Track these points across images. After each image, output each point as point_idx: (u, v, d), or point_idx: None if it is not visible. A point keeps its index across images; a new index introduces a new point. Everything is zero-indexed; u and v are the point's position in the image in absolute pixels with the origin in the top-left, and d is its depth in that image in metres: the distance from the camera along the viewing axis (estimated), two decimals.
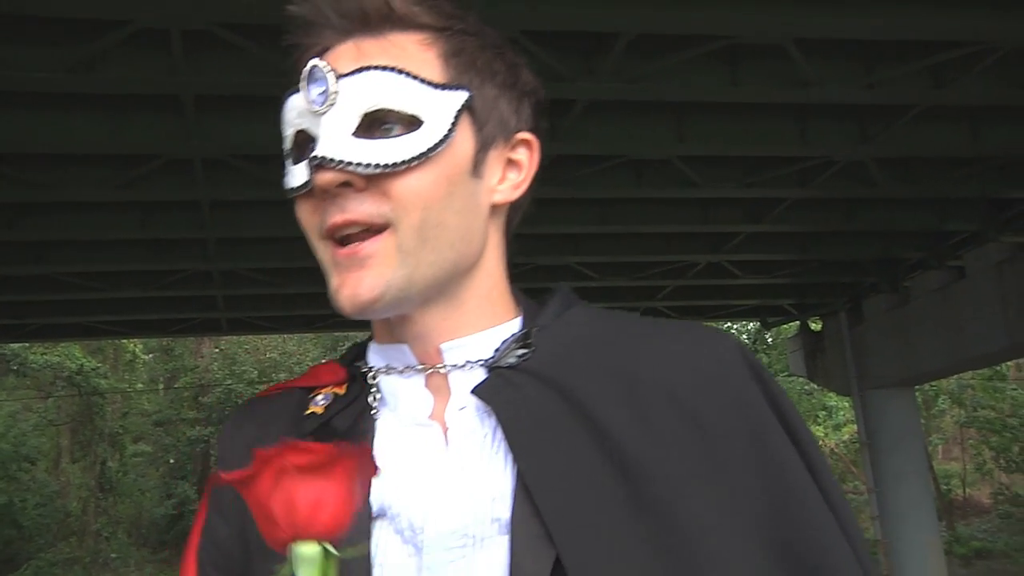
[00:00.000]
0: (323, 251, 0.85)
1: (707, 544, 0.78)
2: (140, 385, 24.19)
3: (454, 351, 0.87)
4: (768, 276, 10.02)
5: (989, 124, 6.56)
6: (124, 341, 21.46)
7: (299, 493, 0.67)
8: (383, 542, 0.81)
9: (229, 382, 22.89)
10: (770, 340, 23.92)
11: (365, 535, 0.80)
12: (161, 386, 24.61)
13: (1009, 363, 19.09)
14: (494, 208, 0.90)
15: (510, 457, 0.81)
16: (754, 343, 24.46)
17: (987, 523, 20.37)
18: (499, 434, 0.82)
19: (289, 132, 0.88)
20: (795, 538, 0.81)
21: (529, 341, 0.87)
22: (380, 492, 0.82)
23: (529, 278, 8.51)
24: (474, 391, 0.84)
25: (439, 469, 0.83)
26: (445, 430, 0.85)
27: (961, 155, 7.04)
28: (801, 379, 15.23)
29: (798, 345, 12.38)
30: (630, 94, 5.58)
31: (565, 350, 0.86)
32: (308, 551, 0.67)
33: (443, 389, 0.87)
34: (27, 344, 19.06)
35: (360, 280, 0.82)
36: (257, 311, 10.59)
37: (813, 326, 12.25)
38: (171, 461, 23.36)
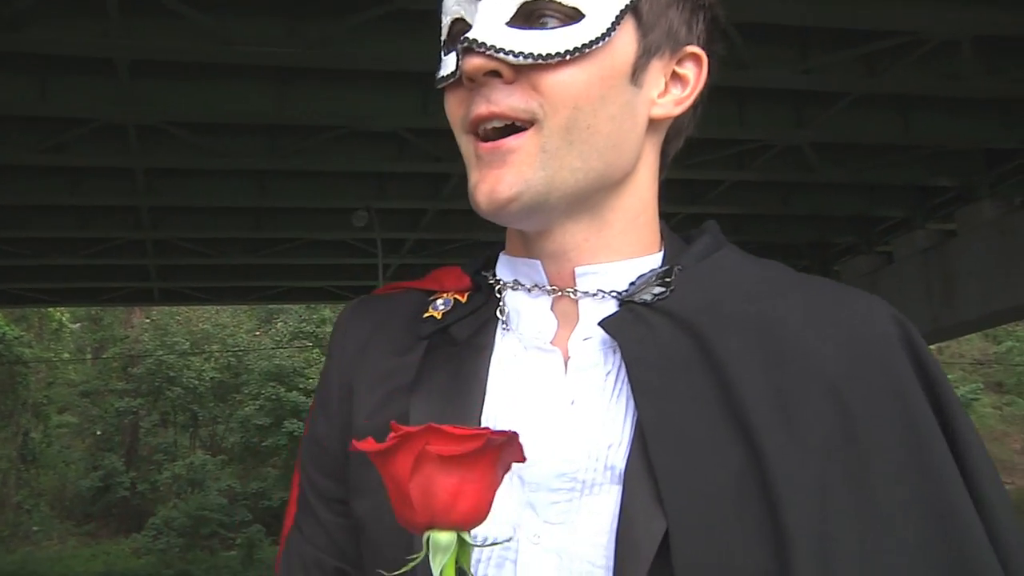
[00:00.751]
0: (466, 145, 0.80)
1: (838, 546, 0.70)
2: (67, 355, 23.65)
3: (588, 277, 0.82)
4: None
5: (920, 113, 6.73)
6: (51, 309, 20.96)
7: (439, 480, 0.63)
8: None
9: (160, 353, 22.51)
10: None
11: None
12: (89, 356, 24.09)
13: (931, 346, 19.62)
14: (653, 123, 0.83)
15: (631, 402, 0.76)
16: None
17: None
18: (623, 374, 0.77)
19: (446, 20, 0.83)
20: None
21: (668, 280, 0.80)
22: (492, 413, 0.79)
23: (464, 254, 8.51)
24: (602, 323, 0.78)
25: (555, 402, 0.78)
26: (566, 358, 0.80)
27: (893, 142, 7.21)
28: None
29: None
30: None
31: (705, 296, 0.80)
32: (444, 539, 0.64)
33: (570, 315, 0.82)
34: None
35: (500, 177, 0.77)
36: (190, 281, 10.43)
37: None
38: (98, 432, 22.92)
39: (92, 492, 21.48)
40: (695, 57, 0.84)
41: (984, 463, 0.75)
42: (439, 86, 0.82)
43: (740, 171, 7.40)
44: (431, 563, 0.63)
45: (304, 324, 22.74)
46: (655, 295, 0.79)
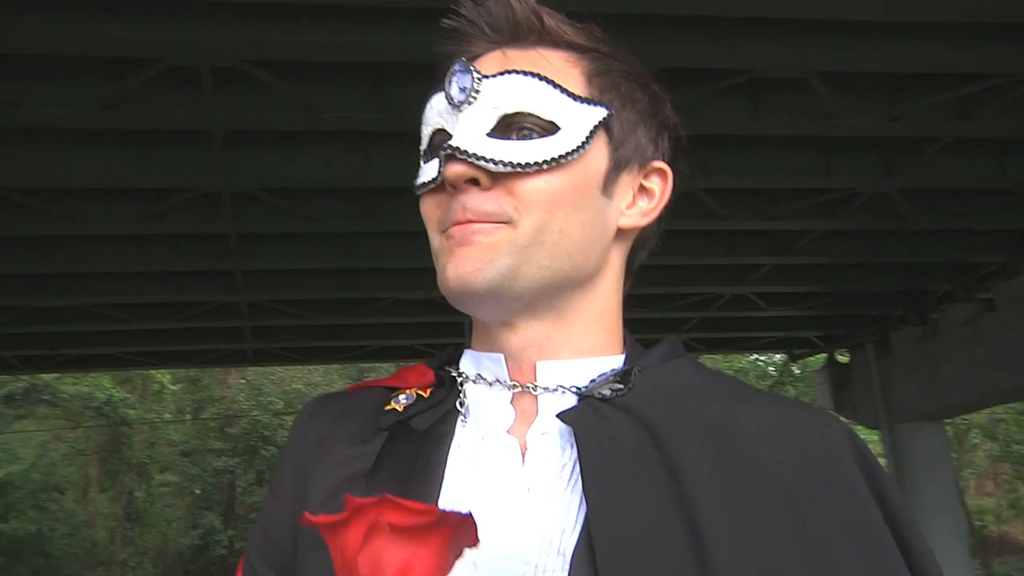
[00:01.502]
0: (438, 241, 0.85)
1: None
2: (168, 415, 24.32)
3: (548, 372, 0.85)
4: (794, 308, 9.96)
5: (1016, 156, 6.52)
6: (152, 372, 21.62)
7: (388, 554, 0.62)
8: None
9: (255, 413, 22.97)
10: (797, 372, 23.72)
11: None
12: (188, 416, 24.72)
13: None
14: (620, 232, 0.88)
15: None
16: (781, 375, 24.26)
17: (1023, 560, 19.99)
18: (578, 467, 0.79)
19: (427, 131, 0.89)
20: None
21: (629, 379, 0.84)
22: (448, 496, 0.81)
23: None
24: (559, 415, 0.81)
25: (512, 489, 0.81)
26: (524, 450, 0.82)
27: (987, 187, 6.99)
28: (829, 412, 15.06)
29: (825, 378, 12.27)
30: None
31: (663, 395, 0.83)
32: None
33: (529, 410, 0.85)
34: (58, 375, 19.26)
35: (468, 255, 0.81)
36: (282, 342, 10.65)
37: (840, 359, 12.14)
38: (197, 491, 23.42)
39: (192, 550, 21.90)
40: (661, 172, 0.91)
41: (934, 569, 0.80)
42: (419, 192, 0.87)
43: (829, 220, 7.26)
44: None
45: None
46: (614, 391, 0.82)
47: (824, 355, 12.43)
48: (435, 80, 0.89)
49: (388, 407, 0.90)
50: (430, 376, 0.92)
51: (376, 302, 9.09)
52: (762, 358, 24.79)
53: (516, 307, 0.84)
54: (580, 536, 0.76)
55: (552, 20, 0.88)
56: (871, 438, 19.64)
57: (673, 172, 0.92)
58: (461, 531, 0.65)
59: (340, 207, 6.68)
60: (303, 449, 0.91)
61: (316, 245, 7.55)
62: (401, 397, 0.91)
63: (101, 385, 21.51)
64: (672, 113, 0.94)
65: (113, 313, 8.87)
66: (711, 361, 24.36)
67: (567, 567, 0.75)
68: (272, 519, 0.91)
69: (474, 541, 0.66)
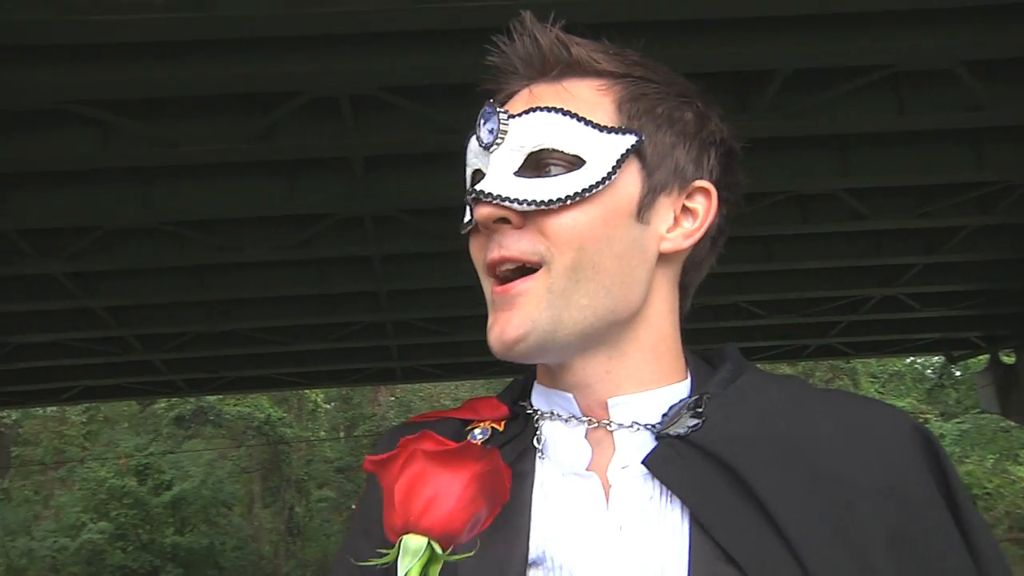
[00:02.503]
0: (487, 288, 0.87)
1: None
2: (323, 433, 25.16)
3: (620, 408, 0.85)
4: (951, 308, 9.51)
5: None
6: (306, 391, 22.43)
7: (421, 483, 0.66)
8: None
9: None
10: (958, 375, 22.57)
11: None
12: (342, 434, 25.51)
13: None
14: (664, 257, 0.87)
15: (682, 524, 0.79)
16: (940, 378, 23.13)
17: None
18: (664, 500, 0.80)
19: (468, 171, 0.91)
20: None
21: (700, 410, 0.83)
22: (539, 539, 0.81)
23: (695, 319, 8.39)
24: (644, 462, 0.82)
25: (603, 529, 0.81)
26: (607, 487, 0.83)
27: None
28: (995, 416, 14.29)
29: (989, 380, 11.64)
30: (789, 130, 5.48)
31: (736, 426, 0.83)
32: (414, 543, 0.66)
33: (605, 444, 0.85)
34: (221, 396, 20.25)
35: (508, 320, 0.82)
36: (429, 359, 10.89)
37: (1005, 359, 11.50)
38: (352, 507, 24.08)
39: None
40: (704, 191, 0.88)
41: (999, 567, 0.80)
42: (463, 232, 0.89)
43: (983, 216, 6.91)
44: (399, 564, 0.65)
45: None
46: (689, 427, 0.82)
47: (987, 356, 11.80)
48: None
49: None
50: (503, 410, 0.93)
51: None
52: (919, 361, 23.71)
53: (565, 352, 0.84)
54: (690, 569, 0.77)
55: (581, 49, 0.87)
56: None
57: (723, 188, 0.91)
58: (492, 476, 0.68)
59: None
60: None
61: (456, 263, 7.70)
62: (477, 432, 0.91)
63: (260, 405, 22.49)
64: (720, 127, 0.92)
65: (268, 336, 9.29)
66: (863, 365, 23.45)
67: None
68: (363, 553, 0.93)
69: (505, 496, 0.70)
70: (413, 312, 8.76)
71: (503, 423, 0.91)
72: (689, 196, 0.88)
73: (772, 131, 5.49)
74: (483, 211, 0.83)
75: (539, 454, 0.87)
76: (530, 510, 0.83)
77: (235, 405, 22.40)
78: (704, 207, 0.89)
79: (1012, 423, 14.76)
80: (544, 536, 0.81)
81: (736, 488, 0.79)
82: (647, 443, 0.83)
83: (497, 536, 0.80)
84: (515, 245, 0.83)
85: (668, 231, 0.87)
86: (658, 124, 0.86)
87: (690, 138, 0.88)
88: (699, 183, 0.89)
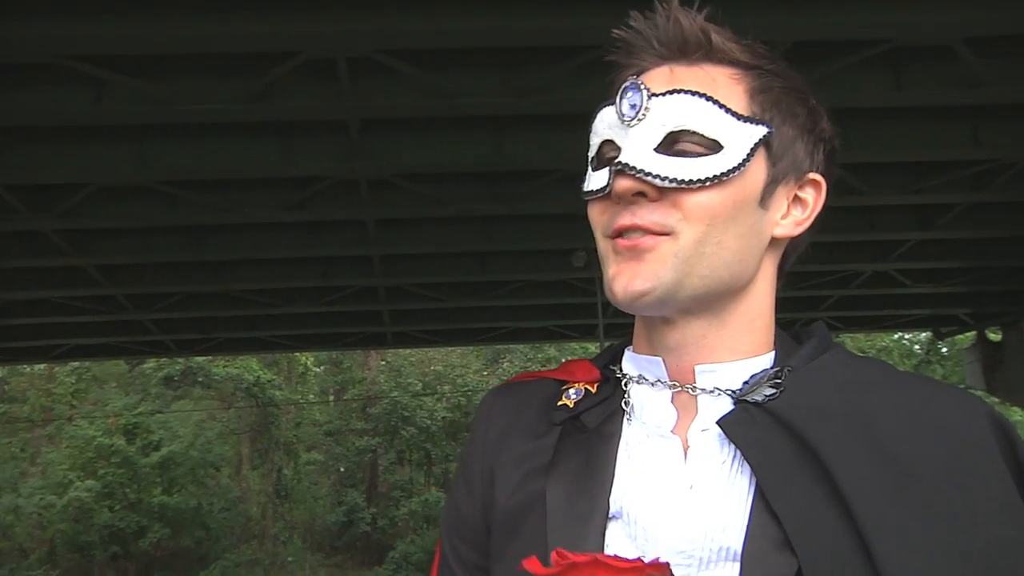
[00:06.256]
0: (604, 244, 0.92)
1: None
2: (312, 396, 25.23)
3: (706, 375, 0.91)
4: (941, 284, 9.56)
5: None
6: (296, 354, 22.46)
7: None
8: (615, 542, 0.87)
9: (395, 394, 23.58)
10: (944, 351, 22.72)
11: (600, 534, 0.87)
12: (331, 398, 25.59)
13: None
14: (774, 241, 0.94)
15: (748, 488, 0.84)
16: (927, 354, 23.30)
17: None
18: (735, 464, 0.86)
19: (595, 141, 0.95)
20: None
21: (779, 381, 0.89)
22: (619, 495, 0.88)
23: None
24: (719, 422, 0.87)
25: (676, 486, 0.87)
26: (686, 447, 0.89)
27: None
28: (981, 392, 14.40)
29: (976, 356, 11.74)
30: None
31: (811, 398, 0.87)
32: None
33: (689, 408, 0.91)
34: (211, 357, 20.25)
35: (636, 271, 0.87)
36: (420, 325, 10.91)
37: (992, 336, 11.59)
38: (341, 469, 24.24)
39: (338, 526, 22.69)
40: (815, 183, 0.95)
41: None
42: (586, 198, 0.93)
43: (977, 193, 6.93)
44: None
45: (530, 363, 23.18)
46: (766, 396, 0.88)
47: (973, 333, 11.88)
48: (606, 92, 0.95)
49: (560, 402, 0.98)
50: (596, 373, 1.00)
51: (510, 284, 9.20)
52: (907, 336, 23.86)
53: (678, 308, 0.90)
54: (748, 533, 0.82)
55: (719, 38, 0.92)
56: None
57: (827, 182, 0.96)
58: None
59: (474, 191, 6.79)
60: (489, 443, 1.01)
61: (451, 229, 7.70)
62: (571, 392, 0.99)
63: (250, 367, 22.52)
64: (828, 125, 0.97)
65: (259, 298, 9.29)
66: (852, 340, 23.58)
67: (733, 559, 0.82)
68: (465, 506, 1.02)
69: None
70: (406, 277, 8.76)
71: (596, 385, 0.99)
72: (801, 187, 0.95)
73: None
74: (624, 183, 0.87)
75: (627, 416, 0.94)
76: (614, 468, 0.91)
77: (224, 366, 22.42)
78: (813, 198, 0.95)
79: (997, 399, 14.89)
80: (624, 492, 0.88)
81: (803, 458, 0.83)
82: (726, 408, 0.89)
83: (583, 492, 0.89)
84: (648, 216, 0.87)
85: (782, 218, 0.93)
86: (783, 117, 0.92)
87: (807, 132, 0.94)
88: (811, 176, 0.95)
